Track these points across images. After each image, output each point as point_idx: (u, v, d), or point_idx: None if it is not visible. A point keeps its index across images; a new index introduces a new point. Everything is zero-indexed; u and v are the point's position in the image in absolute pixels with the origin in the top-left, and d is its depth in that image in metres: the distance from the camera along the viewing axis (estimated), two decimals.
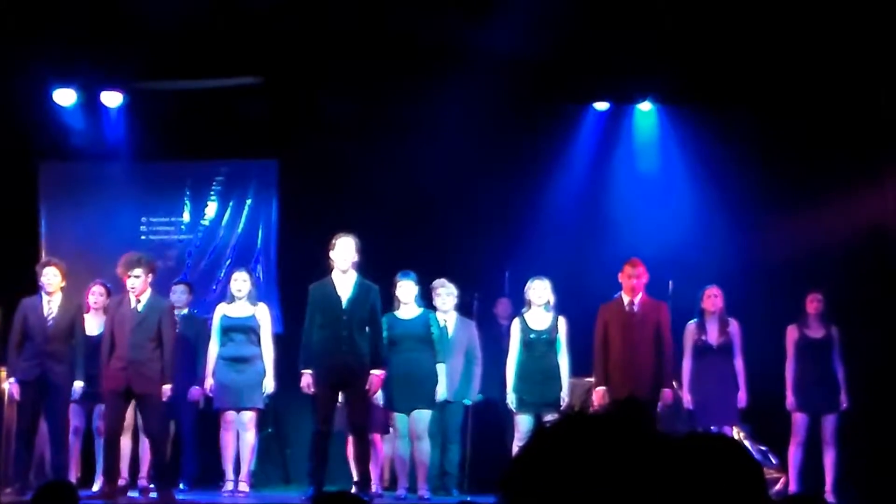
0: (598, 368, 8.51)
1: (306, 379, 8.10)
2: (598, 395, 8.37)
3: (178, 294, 9.34)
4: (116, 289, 8.88)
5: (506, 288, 10.08)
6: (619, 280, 8.55)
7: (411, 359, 8.44)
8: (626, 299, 8.55)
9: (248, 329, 8.89)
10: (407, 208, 10.45)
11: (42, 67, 9.87)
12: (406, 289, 8.52)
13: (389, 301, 8.57)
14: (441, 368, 8.54)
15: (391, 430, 8.79)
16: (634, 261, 8.58)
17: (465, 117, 9.74)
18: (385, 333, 8.41)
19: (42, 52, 9.65)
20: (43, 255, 10.18)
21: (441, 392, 8.54)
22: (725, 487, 1.94)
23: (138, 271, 8.23)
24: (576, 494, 1.41)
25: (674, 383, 8.95)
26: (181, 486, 9.29)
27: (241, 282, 8.95)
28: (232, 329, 8.87)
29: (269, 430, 10.05)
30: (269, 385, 8.89)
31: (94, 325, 8.85)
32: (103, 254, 10.36)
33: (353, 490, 7.89)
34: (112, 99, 10.59)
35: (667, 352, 8.50)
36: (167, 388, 8.22)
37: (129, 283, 8.24)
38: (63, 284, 8.57)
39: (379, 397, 8.46)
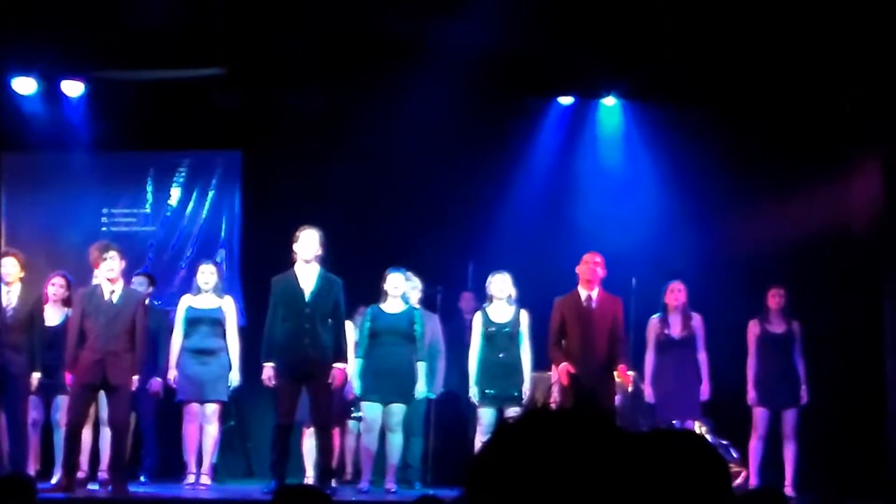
0: (554, 352, 8.43)
1: (267, 371, 8.09)
2: (561, 371, 8.29)
3: (138, 285, 9.22)
4: (78, 280, 8.82)
5: (469, 281, 10.10)
6: (577, 272, 8.51)
7: (392, 353, 8.45)
8: (583, 293, 8.49)
9: (213, 321, 8.87)
10: (371, 201, 10.44)
11: (1, 55, 9.75)
12: (395, 282, 8.54)
13: (360, 294, 8.56)
14: (421, 367, 8.55)
15: (353, 422, 8.81)
16: (593, 252, 8.56)
17: (430, 110, 9.73)
18: (368, 324, 8.46)
19: (1, 40, 9.52)
20: (2, 245, 10.07)
21: (420, 390, 8.55)
22: (690, 483, 1.93)
23: (113, 253, 8.18)
24: (539, 491, 1.39)
25: (635, 375, 9.00)
26: (141, 478, 9.24)
27: (208, 274, 8.93)
28: (197, 321, 8.83)
29: (232, 423, 9.97)
30: (234, 378, 8.87)
31: (53, 316, 8.78)
32: (64, 245, 10.37)
33: (313, 483, 7.92)
34: (73, 88, 10.47)
35: (620, 345, 8.44)
36: (135, 380, 8.17)
37: (105, 265, 8.15)
38: (22, 275, 8.49)
39: (355, 387, 8.46)
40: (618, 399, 8.60)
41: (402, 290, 8.60)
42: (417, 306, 9.13)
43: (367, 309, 8.66)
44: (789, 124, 9.96)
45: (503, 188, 10.57)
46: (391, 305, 8.60)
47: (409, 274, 9.10)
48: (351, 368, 8.46)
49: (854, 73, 9.15)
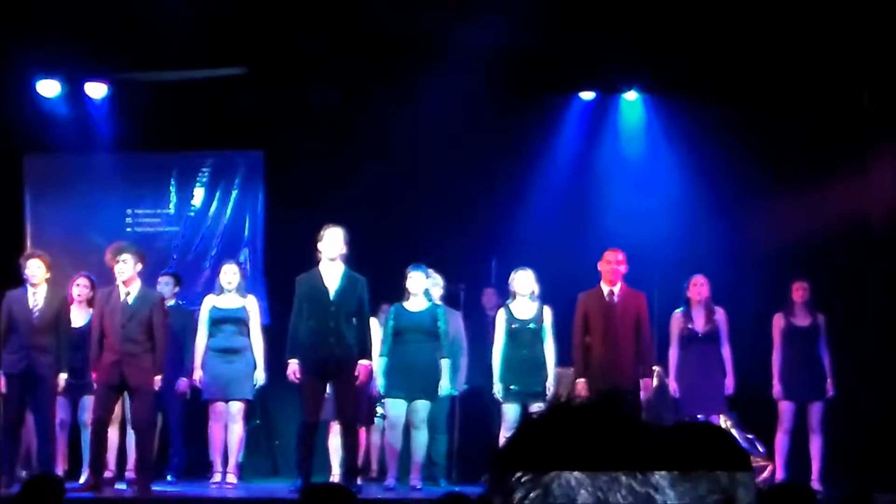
0: (577, 358, 8.50)
1: (292, 367, 8.08)
2: (579, 387, 8.35)
3: (164, 285, 9.31)
4: (102, 281, 8.84)
5: (492, 278, 10.07)
6: (599, 269, 8.53)
7: (416, 350, 8.47)
8: (605, 289, 8.51)
9: (237, 320, 8.89)
10: (393, 199, 10.41)
11: (26, 58, 9.80)
12: (416, 280, 8.54)
13: (382, 292, 8.57)
14: (444, 364, 8.55)
15: (379, 420, 8.80)
16: (614, 250, 8.57)
17: (451, 108, 9.71)
18: (391, 323, 8.49)
19: (26, 43, 9.57)
20: (28, 247, 10.12)
21: (444, 387, 8.55)
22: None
23: (126, 256, 8.19)
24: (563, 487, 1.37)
25: (660, 370, 8.98)
26: (168, 478, 9.27)
27: (231, 274, 8.94)
28: (221, 321, 8.84)
29: (257, 422, 10.01)
30: (259, 377, 8.88)
31: (78, 317, 8.80)
32: (88, 246, 10.35)
33: (339, 481, 7.92)
34: (97, 90, 10.53)
35: (645, 342, 8.48)
36: (158, 380, 8.18)
37: (118, 268, 8.17)
38: (48, 276, 8.50)
39: (379, 385, 8.48)
40: (643, 394, 8.54)
41: (423, 287, 8.61)
42: (440, 303, 9.12)
43: (390, 307, 8.67)
44: (809, 117, 9.90)
45: (525, 185, 10.54)
46: (414, 303, 8.61)
47: (431, 271, 9.07)
48: (375, 366, 8.47)
49: (872, 66, 9.10)
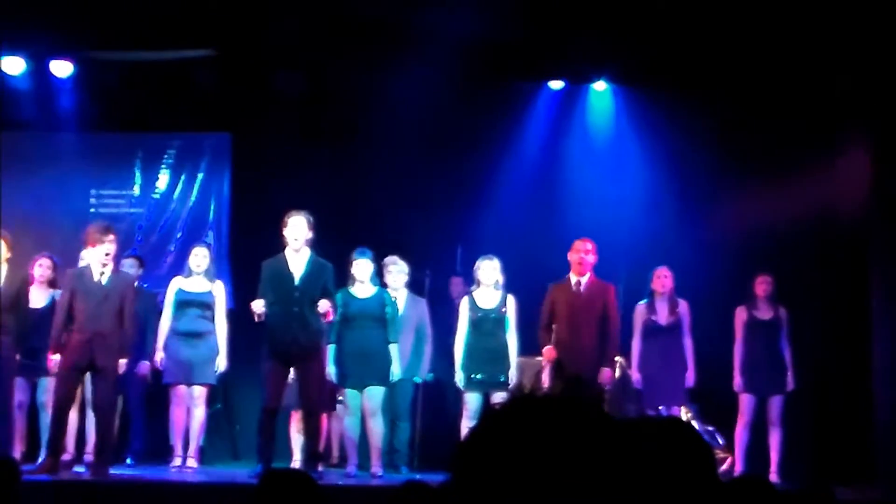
0: (542, 341, 8.52)
1: (258, 306, 7.98)
2: (546, 354, 8.40)
3: (128, 268, 9.18)
4: (64, 262, 8.76)
5: (458, 265, 10.06)
6: (568, 259, 8.54)
7: (365, 336, 8.45)
8: (573, 279, 8.54)
9: (203, 304, 8.87)
10: (361, 185, 10.41)
11: None
12: (362, 267, 8.53)
13: (343, 278, 8.55)
14: (394, 348, 8.55)
15: (340, 406, 8.76)
16: (583, 240, 8.58)
17: (419, 94, 9.68)
18: (339, 310, 8.40)
19: None
20: None
21: (396, 372, 8.56)
22: (677, 469, 1.94)
23: (112, 237, 8.13)
24: (526, 478, 1.39)
25: (622, 361, 9.01)
26: (128, 461, 9.20)
27: (200, 257, 8.92)
28: (187, 303, 8.83)
29: (218, 406, 9.98)
30: (221, 363, 8.87)
31: (38, 297, 8.70)
32: (51, 226, 10.30)
33: (300, 467, 7.92)
34: (62, 68, 10.36)
35: (612, 333, 8.50)
36: (123, 363, 8.12)
37: (104, 248, 8.03)
38: (9, 256, 8.43)
39: (331, 373, 8.46)
40: (604, 385, 8.54)
41: (369, 272, 8.58)
42: (404, 290, 9.14)
43: (337, 294, 8.56)
44: (778, 110, 9.89)
45: (493, 173, 10.53)
46: (361, 289, 8.58)
47: (396, 258, 9.14)
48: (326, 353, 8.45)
49: (842, 56, 9.06)
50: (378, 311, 8.52)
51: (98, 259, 8.10)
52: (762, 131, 10.05)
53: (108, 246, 8.07)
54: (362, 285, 8.55)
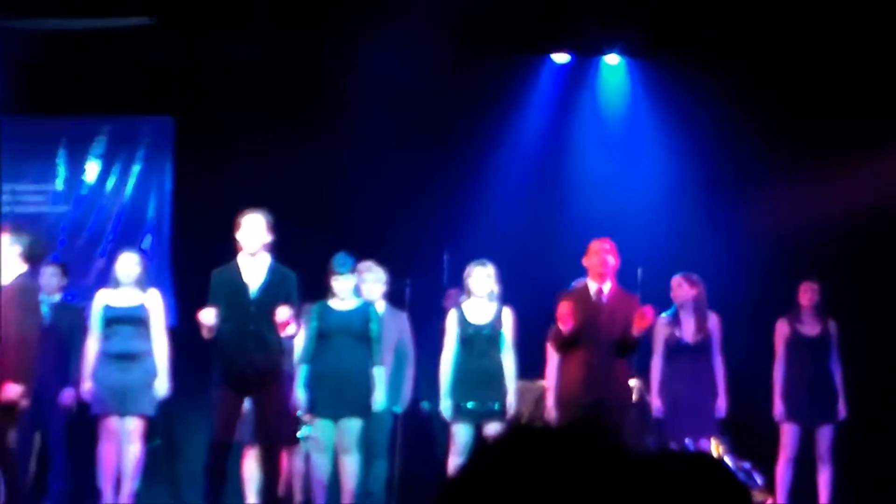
0: (551, 368, 8.44)
1: (208, 316, 7.84)
2: (550, 400, 8.35)
3: (49, 277, 9.17)
4: None
5: (445, 273, 10.00)
6: (584, 264, 8.37)
7: (343, 356, 8.38)
8: (592, 287, 8.36)
9: (136, 320, 8.76)
10: (328, 178, 10.33)
11: None
12: (341, 279, 8.49)
13: (315, 289, 8.49)
14: (379, 372, 8.47)
15: (307, 440, 8.73)
16: (601, 240, 8.42)
17: (400, 70, 9.70)
18: (314, 324, 8.38)
19: None
20: None
21: (379, 401, 8.48)
22: None
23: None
24: None
25: (640, 385, 8.94)
26: None
27: (130, 265, 8.81)
28: (116, 320, 8.72)
29: (157, 442, 9.86)
30: (161, 387, 8.77)
31: None
32: None
33: None
34: None
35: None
36: (14, 389, 7.66)
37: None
38: None
39: (300, 399, 8.41)
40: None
41: (352, 283, 8.53)
42: (382, 302, 9.06)
43: (312, 307, 8.55)
44: (822, 86, 9.89)
45: (486, 162, 10.54)
46: (341, 301, 8.52)
47: (371, 263, 9.02)
48: (295, 375, 8.43)
49: None
50: (360, 326, 8.44)
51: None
52: (805, 113, 10.03)
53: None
54: (343, 297, 8.51)
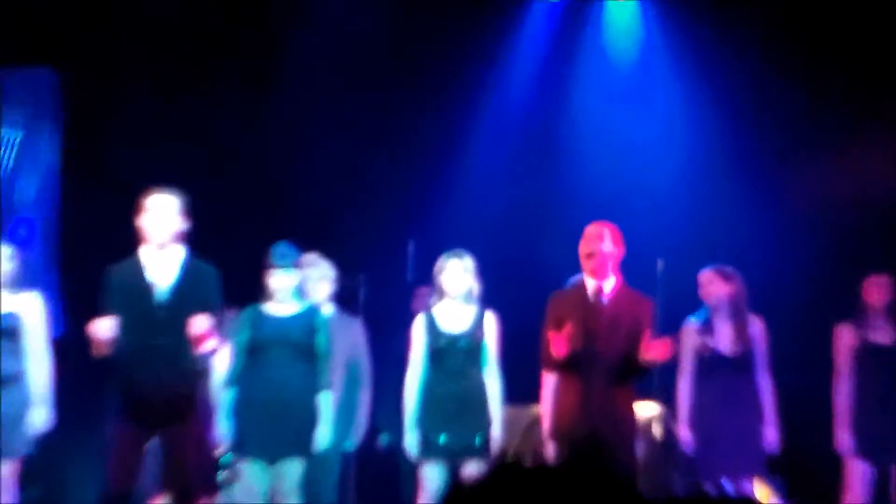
0: (547, 391, 7.85)
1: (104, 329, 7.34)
2: (545, 431, 7.92)
3: None
4: None
5: (409, 267, 9.85)
6: (580, 253, 7.77)
7: (281, 377, 8.01)
8: (590, 284, 7.67)
9: (8, 333, 8.14)
10: (258, 149, 10.20)
11: None
12: (282, 276, 8.20)
13: (240, 290, 8.09)
14: (326, 399, 8.10)
15: (234, 488, 8.32)
16: (600, 224, 7.80)
17: (352, 15, 9.83)
18: (244, 335, 8.06)
19: None
20: None
21: (325, 435, 8.11)
22: None
23: None
24: None
25: (664, 411, 8.89)
26: None
27: (1, 260, 8.32)
28: None
29: (36, 490, 9.44)
30: (39, 419, 8.07)
31: None
32: None
33: None
34: None
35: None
36: None
37: None
38: None
39: (222, 435, 8.00)
40: (640, 447, 8.16)
41: (293, 283, 8.17)
42: (329, 305, 8.69)
43: (242, 312, 8.15)
44: (882, 29, 9.75)
45: (462, 127, 10.44)
46: (279, 306, 8.05)
47: (316, 256, 8.72)
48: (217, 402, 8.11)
49: None
50: (303, 338, 8.09)
51: None
52: (861, 59, 9.84)
53: None
54: (281, 300, 8.18)
